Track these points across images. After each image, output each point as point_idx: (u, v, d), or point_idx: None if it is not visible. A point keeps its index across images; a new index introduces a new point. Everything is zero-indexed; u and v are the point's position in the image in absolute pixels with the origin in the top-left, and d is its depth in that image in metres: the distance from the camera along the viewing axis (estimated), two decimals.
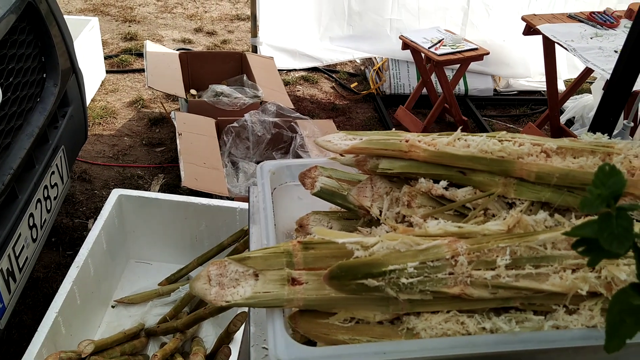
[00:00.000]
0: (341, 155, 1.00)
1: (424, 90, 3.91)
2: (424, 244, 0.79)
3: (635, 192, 0.88)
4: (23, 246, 1.82)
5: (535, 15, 3.09)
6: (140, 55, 4.41)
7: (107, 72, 4.13)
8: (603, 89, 2.54)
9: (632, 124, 1.18)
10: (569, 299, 0.80)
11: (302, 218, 1.08)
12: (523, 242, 0.80)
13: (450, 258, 0.79)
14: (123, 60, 4.34)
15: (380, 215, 0.94)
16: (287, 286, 0.80)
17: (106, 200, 2.27)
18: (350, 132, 0.96)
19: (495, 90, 4.33)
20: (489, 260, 0.79)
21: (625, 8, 3.30)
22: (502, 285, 0.78)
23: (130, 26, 4.98)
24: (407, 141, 0.92)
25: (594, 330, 0.79)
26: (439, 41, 3.59)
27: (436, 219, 0.88)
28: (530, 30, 3.02)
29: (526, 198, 0.90)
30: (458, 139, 0.91)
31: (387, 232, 0.89)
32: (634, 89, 1.43)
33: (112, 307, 2.28)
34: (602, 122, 1.28)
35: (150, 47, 3.50)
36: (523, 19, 3.09)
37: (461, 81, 4.21)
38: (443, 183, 0.91)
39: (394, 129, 3.56)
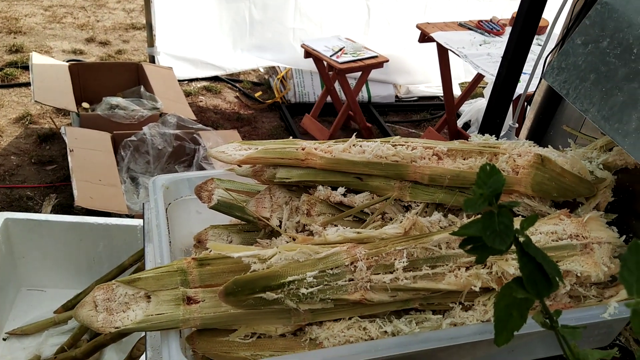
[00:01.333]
0: (238, 166, 0.97)
1: (329, 98, 3.96)
2: (323, 252, 0.78)
3: (520, 190, 0.93)
4: None
5: (429, 23, 3.23)
6: (26, 68, 4.11)
7: None
8: None
9: (517, 125, 1.25)
10: (464, 296, 0.82)
11: (200, 233, 1.04)
12: (419, 244, 0.82)
13: (350, 264, 0.78)
14: (8, 74, 4.03)
15: (280, 226, 0.92)
16: (182, 306, 0.76)
17: None
18: (245, 142, 0.94)
19: (396, 96, 4.47)
20: (387, 264, 0.80)
21: (510, 16, 3.54)
22: (401, 287, 0.79)
23: (15, 38, 4.64)
24: (303, 149, 0.91)
25: (488, 324, 0.81)
26: (340, 49, 3.65)
27: (335, 225, 0.88)
28: (425, 37, 3.15)
29: (421, 200, 0.92)
30: (353, 145, 0.92)
31: (287, 242, 0.87)
32: (518, 93, 1.52)
33: (4, 339, 2.10)
34: (490, 124, 1.34)
35: (37, 59, 3.27)
36: (418, 27, 3.22)
37: (364, 89, 4.31)
38: (341, 190, 0.91)
39: (291, 137, 3.58)
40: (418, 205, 0.92)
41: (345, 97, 3.74)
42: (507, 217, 0.56)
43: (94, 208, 2.27)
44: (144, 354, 1.77)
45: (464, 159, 0.93)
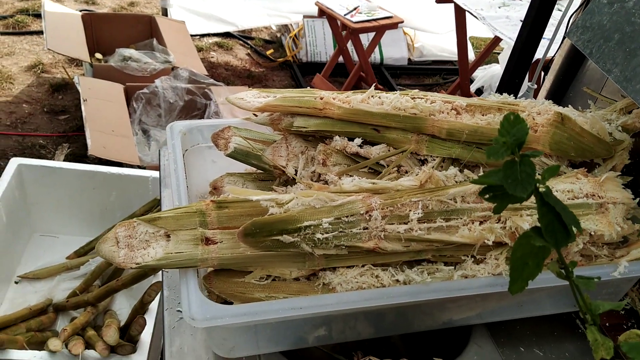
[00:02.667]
0: (254, 115, 0.98)
1: (341, 59, 3.92)
2: (339, 200, 0.79)
3: (538, 148, 0.93)
4: None
5: None
6: (38, 15, 4.08)
7: (2, 33, 3.79)
8: None
9: (535, 86, 1.24)
10: (477, 249, 0.83)
11: (216, 180, 1.05)
12: (434, 197, 0.82)
13: (365, 213, 0.79)
14: (19, 21, 4.00)
15: (296, 174, 0.93)
16: (200, 246, 0.77)
17: (3, 170, 2.10)
18: (263, 90, 0.94)
19: (409, 59, 4.42)
20: (402, 215, 0.81)
21: None
22: (415, 238, 0.80)
23: None
24: (321, 98, 0.91)
25: (499, 278, 0.83)
26: (355, 8, 3.59)
27: (351, 176, 0.88)
28: None
29: (437, 154, 0.92)
30: (372, 96, 0.91)
31: (302, 190, 0.88)
32: (537, 57, 1.50)
33: (16, 282, 2.14)
34: (508, 84, 1.33)
35: (49, 6, 3.24)
36: None
37: (377, 50, 4.26)
38: (357, 141, 0.92)
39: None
40: (434, 160, 0.92)
41: (357, 58, 3.70)
42: (529, 166, 0.57)
43: (107, 158, 2.29)
44: (155, 299, 1.81)
45: (483, 115, 0.93)
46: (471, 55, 4.36)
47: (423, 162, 0.94)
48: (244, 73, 4.05)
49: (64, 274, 2.17)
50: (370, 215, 0.79)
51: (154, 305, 1.88)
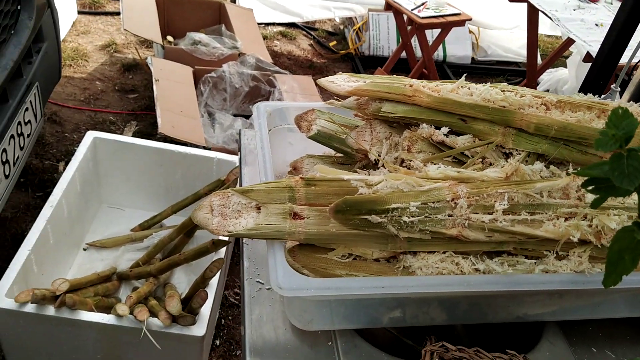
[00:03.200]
0: (337, 100, 1.00)
1: (403, 54, 3.90)
2: (426, 186, 0.81)
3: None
4: None
5: None
6: None
7: (79, 12, 3.96)
8: (583, 61, 2.59)
9: (619, 89, 1.22)
10: (560, 245, 0.83)
11: (296, 161, 1.08)
12: (521, 189, 0.83)
13: (451, 200, 0.80)
14: (95, 1, 4.17)
15: (378, 160, 0.95)
16: (288, 220, 0.80)
17: (78, 143, 2.21)
18: (353, 75, 0.96)
19: (473, 58, 4.36)
20: (487, 205, 0.81)
21: None
22: (498, 229, 0.81)
23: None
24: (411, 86, 0.92)
25: (581, 275, 0.82)
26: (422, 4, 3.56)
27: (435, 164, 0.89)
28: None
29: (523, 149, 0.92)
30: (462, 86, 0.92)
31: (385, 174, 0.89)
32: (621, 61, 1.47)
33: (84, 249, 2.25)
34: (592, 85, 1.31)
35: None
36: None
37: (440, 47, 4.21)
38: (444, 129, 0.93)
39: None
40: (520, 154, 0.92)
41: (421, 54, 3.68)
42: (636, 160, 0.57)
43: (175, 137, 2.37)
44: (216, 276, 1.87)
45: (573, 112, 0.92)
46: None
47: (508, 155, 0.94)
48: (305, 63, 4.09)
49: (128, 245, 2.26)
50: (456, 202, 0.80)
51: (213, 281, 1.95)
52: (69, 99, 3.15)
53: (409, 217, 0.78)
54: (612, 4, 2.89)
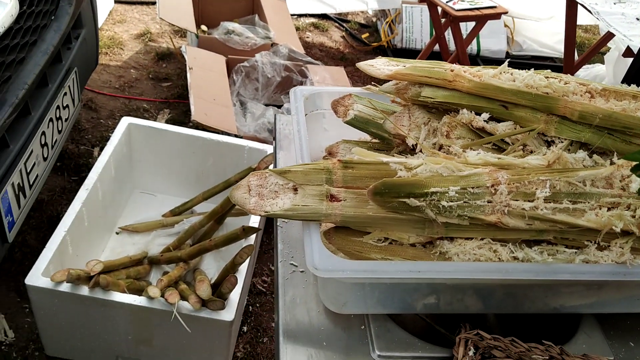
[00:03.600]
0: (374, 85, 0.99)
1: (436, 47, 3.86)
2: (466, 171, 0.79)
3: None
4: (34, 163, 1.81)
5: None
6: None
7: (115, 1, 4.02)
8: (623, 56, 2.52)
9: None
10: (602, 235, 0.81)
11: (331, 146, 1.08)
12: (563, 177, 0.81)
13: (491, 186, 0.79)
14: None
15: (415, 146, 0.94)
16: (325, 202, 0.80)
17: (112, 129, 2.25)
18: (393, 59, 0.95)
19: (507, 53, 4.28)
20: (528, 192, 0.80)
21: None
22: (539, 217, 0.79)
23: None
24: (452, 71, 0.91)
25: (622, 266, 0.80)
26: None
27: (475, 150, 0.88)
28: None
29: (566, 137, 0.90)
30: (504, 72, 0.90)
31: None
32: None
33: (117, 233, 2.29)
34: (634, 79, 1.27)
35: None
36: None
37: (474, 40, 4.14)
38: (484, 115, 0.91)
39: None
40: (562, 142, 0.90)
41: (454, 47, 3.63)
42: None
43: (208, 125, 2.39)
44: (245, 262, 1.88)
45: (618, 101, 0.89)
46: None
47: (549, 143, 0.92)
48: (337, 55, 4.08)
49: (159, 230, 2.30)
50: (496, 189, 0.79)
51: (242, 268, 1.96)
52: (104, 86, 3.21)
53: (447, 202, 0.77)
54: None
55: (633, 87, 1.01)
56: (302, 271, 0.92)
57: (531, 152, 0.90)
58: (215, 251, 2.19)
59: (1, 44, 1.64)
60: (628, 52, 2.30)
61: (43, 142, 1.86)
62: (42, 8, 1.93)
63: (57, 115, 1.98)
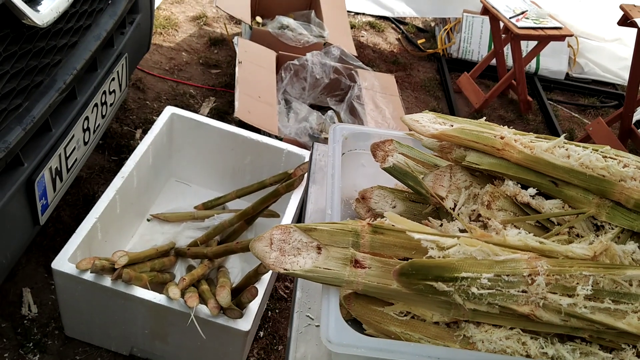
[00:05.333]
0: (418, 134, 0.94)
1: (493, 61, 3.73)
2: (503, 256, 0.74)
3: None
4: (74, 148, 1.82)
5: (635, 6, 2.86)
6: None
7: None
8: None
9: None
10: None
11: (365, 190, 1.03)
12: (608, 274, 0.75)
13: (528, 276, 0.74)
14: None
15: (454, 209, 0.89)
16: (348, 267, 0.76)
17: (157, 112, 2.25)
18: (440, 115, 0.90)
19: (567, 74, 4.11)
20: (567, 286, 0.74)
21: None
22: (577, 314, 0.73)
23: None
24: (502, 138, 0.85)
25: None
26: (522, 12, 3.38)
27: (516, 227, 0.82)
28: (626, 21, 2.81)
29: (618, 224, 0.83)
30: (559, 146, 0.84)
31: (460, 230, 0.83)
32: None
33: (148, 220, 2.31)
34: None
35: None
36: (622, 7, 2.87)
37: (534, 58, 3.99)
38: (532, 190, 0.85)
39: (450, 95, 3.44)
40: (612, 229, 0.83)
41: (512, 64, 3.50)
42: None
43: (250, 122, 2.37)
44: (268, 272, 1.86)
45: None
46: None
47: (598, 227, 0.85)
48: (390, 58, 3.99)
49: (189, 222, 2.30)
50: (533, 279, 0.73)
51: (265, 276, 1.95)
52: (155, 67, 3.23)
53: (478, 289, 0.72)
54: None
55: None
56: (317, 325, 0.89)
57: (578, 235, 0.84)
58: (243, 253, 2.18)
59: (55, 27, 1.65)
60: None
61: (85, 127, 1.88)
62: None
63: (103, 101, 1.99)
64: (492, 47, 3.69)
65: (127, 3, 2.10)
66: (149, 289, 1.74)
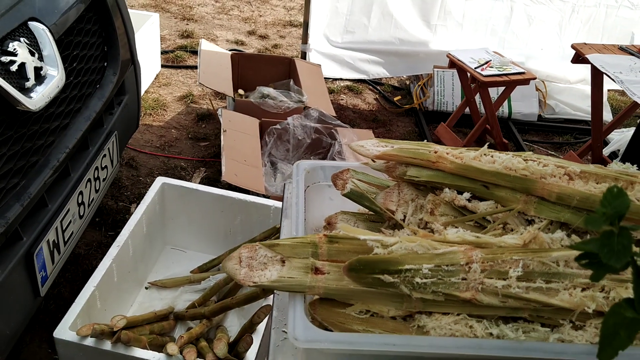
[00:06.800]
0: (372, 160, 1.06)
1: (467, 110, 3.93)
2: (441, 249, 0.84)
3: None
4: (70, 221, 1.94)
5: (585, 44, 3.09)
6: (194, 52, 4.57)
7: (162, 66, 4.29)
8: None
9: None
10: (576, 315, 0.84)
11: (330, 216, 1.15)
12: (537, 257, 0.85)
13: (465, 264, 0.84)
14: (178, 56, 4.51)
15: (404, 220, 1.00)
16: (310, 274, 0.86)
17: (150, 187, 2.38)
18: (383, 140, 1.03)
19: (540, 116, 4.30)
20: (501, 271, 0.84)
21: None
22: (512, 295, 0.83)
23: (187, 24, 5.16)
24: (435, 152, 0.97)
25: (596, 347, 0.82)
26: (486, 62, 3.60)
27: (456, 227, 0.93)
28: (579, 58, 3.01)
29: (545, 217, 0.94)
30: (484, 154, 0.96)
31: (408, 235, 0.94)
32: None
33: (146, 288, 2.39)
34: (635, 154, 1.30)
35: (205, 45, 3.63)
36: (573, 47, 3.09)
37: (506, 104, 4.20)
38: (466, 195, 0.96)
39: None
40: (542, 221, 0.94)
41: (484, 110, 3.69)
42: (626, 239, 0.59)
43: (237, 184, 2.50)
44: (263, 321, 1.93)
45: (597, 183, 0.93)
46: (609, 116, 4.15)
47: (530, 222, 0.96)
48: (370, 117, 4.19)
49: (187, 286, 2.38)
50: (470, 267, 0.83)
51: (261, 327, 2.01)
52: (146, 145, 3.40)
53: (421, 279, 0.82)
54: None
55: (626, 165, 1.04)
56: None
57: (512, 230, 0.94)
58: (239, 309, 2.25)
59: (47, 112, 1.81)
60: None
61: (80, 201, 2.00)
62: (88, 78, 2.12)
63: (96, 176, 2.13)
64: (464, 96, 3.90)
65: (114, 86, 2.28)
66: (148, 350, 1.81)
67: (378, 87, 4.58)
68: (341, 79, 4.53)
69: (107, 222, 2.75)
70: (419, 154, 0.98)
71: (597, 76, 2.94)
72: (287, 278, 0.85)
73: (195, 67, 4.37)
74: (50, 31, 1.79)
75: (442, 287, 0.83)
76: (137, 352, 1.77)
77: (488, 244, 0.87)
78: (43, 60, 1.75)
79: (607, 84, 3.30)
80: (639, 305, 0.59)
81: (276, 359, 0.94)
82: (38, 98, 1.70)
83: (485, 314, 0.86)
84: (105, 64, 2.28)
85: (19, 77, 1.63)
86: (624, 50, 3.06)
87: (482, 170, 0.95)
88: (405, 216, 1.00)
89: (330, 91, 4.33)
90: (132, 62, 2.49)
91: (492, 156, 0.96)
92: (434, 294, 0.83)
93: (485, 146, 0.97)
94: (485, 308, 0.85)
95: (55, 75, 1.80)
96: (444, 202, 0.96)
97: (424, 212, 0.98)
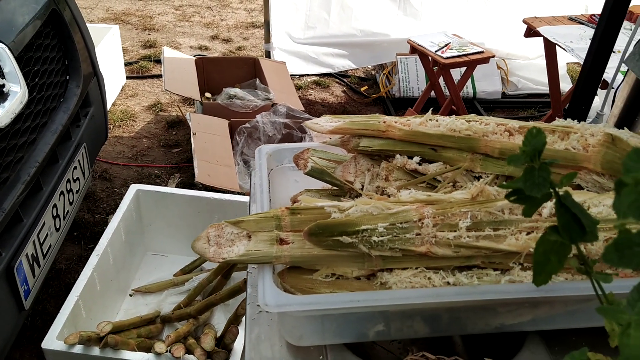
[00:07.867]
0: (329, 138, 1.12)
1: (432, 93, 4.02)
2: (395, 208, 0.90)
3: (589, 167, 0.98)
4: (47, 234, 1.96)
5: (536, 17, 3.19)
6: (158, 61, 4.59)
7: (128, 77, 4.30)
8: (600, 88, 2.61)
9: (604, 114, 1.28)
10: (523, 257, 0.90)
11: (295, 195, 1.20)
12: (483, 208, 0.91)
13: (418, 221, 0.90)
14: (142, 66, 4.52)
15: (362, 188, 1.06)
16: (275, 245, 0.91)
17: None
18: (335, 116, 1.08)
19: (503, 93, 4.41)
20: (452, 223, 0.90)
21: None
22: (464, 244, 0.89)
23: (149, 34, 5.17)
24: (384, 122, 1.03)
25: (545, 285, 0.89)
26: (446, 45, 3.69)
27: (409, 189, 0.99)
28: (531, 32, 3.11)
29: (491, 172, 1.01)
30: (429, 119, 1.02)
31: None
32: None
33: (130, 295, 2.42)
34: (576, 110, 1.38)
35: (168, 52, 3.66)
36: (524, 21, 3.18)
37: (469, 84, 4.30)
38: (416, 159, 1.03)
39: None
40: (488, 176, 1.00)
41: (449, 92, 3.78)
42: (546, 172, 0.65)
43: (211, 185, 2.54)
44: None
45: None
46: (569, 87, 4.28)
47: (478, 178, 1.03)
48: (339, 109, 4.26)
49: (171, 289, 2.42)
50: (422, 222, 0.89)
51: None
52: (118, 156, 3.42)
53: (378, 237, 0.88)
54: (631, 29, 2.92)
55: (566, 122, 1.11)
56: (267, 311, 1.02)
57: (461, 187, 1.01)
58: (224, 305, 2.29)
59: (13, 128, 1.83)
60: (604, 84, 2.40)
61: (55, 214, 2.02)
62: (51, 92, 2.14)
63: (68, 188, 2.15)
64: (429, 80, 3.98)
65: (78, 99, 2.30)
66: (137, 352, 1.84)
67: (345, 80, 4.65)
68: (307, 75, 4.59)
69: (85, 236, 2.77)
70: (369, 124, 1.03)
71: (550, 48, 3.04)
72: (254, 251, 0.90)
73: (161, 76, 4.38)
74: (9, 48, 1.81)
75: (398, 244, 0.88)
76: (126, 354, 1.81)
77: (439, 200, 0.93)
78: (5, 78, 1.77)
79: (566, 57, 3.41)
80: (563, 230, 0.65)
81: (252, 330, 0.99)
82: (2, 115, 1.73)
83: (441, 265, 0.92)
84: (68, 77, 2.30)
85: None
86: (573, 20, 3.17)
87: (429, 134, 1.01)
88: (363, 185, 1.06)
89: (298, 87, 4.38)
90: (95, 74, 2.51)
91: (437, 120, 1.02)
92: (392, 251, 0.89)
93: (430, 112, 1.03)
94: (441, 259, 0.91)
95: (18, 92, 1.82)
96: (396, 168, 1.02)
97: (379, 179, 1.04)
